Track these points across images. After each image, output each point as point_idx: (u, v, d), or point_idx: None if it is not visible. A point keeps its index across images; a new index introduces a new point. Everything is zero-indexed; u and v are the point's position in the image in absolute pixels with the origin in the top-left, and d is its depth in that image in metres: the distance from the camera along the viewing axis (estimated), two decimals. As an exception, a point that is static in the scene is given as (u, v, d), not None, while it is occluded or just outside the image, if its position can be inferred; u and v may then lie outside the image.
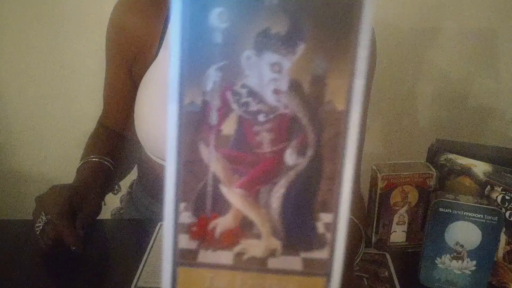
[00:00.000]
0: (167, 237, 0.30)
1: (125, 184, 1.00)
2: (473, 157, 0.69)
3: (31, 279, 0.68)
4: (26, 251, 0.73)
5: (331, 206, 0.30)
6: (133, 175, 1.01)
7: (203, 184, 0.30)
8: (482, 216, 0.60)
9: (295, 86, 0.28)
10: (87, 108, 1.23)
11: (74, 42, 1.20)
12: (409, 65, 1.26)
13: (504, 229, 0.63)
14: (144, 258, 0.68)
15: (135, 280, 0.64)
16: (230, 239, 0.31)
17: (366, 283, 0.64)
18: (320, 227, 0.31)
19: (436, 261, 0.64)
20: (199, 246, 0.31)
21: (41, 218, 0.67)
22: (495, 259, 0.64)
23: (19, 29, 1.21)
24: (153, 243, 0.72)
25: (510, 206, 0.62)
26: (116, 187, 0.84)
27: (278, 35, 0.28)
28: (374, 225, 0.71)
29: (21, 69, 1.25)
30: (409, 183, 0.69)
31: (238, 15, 0.28)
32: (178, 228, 0.30)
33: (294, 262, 0.31)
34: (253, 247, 0.31)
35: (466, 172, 0.69)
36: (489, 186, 0.64)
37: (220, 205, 0.31)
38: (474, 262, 0.63)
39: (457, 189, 0.70)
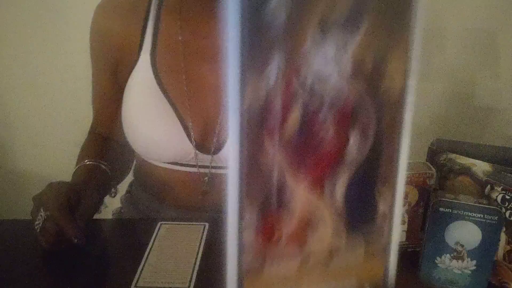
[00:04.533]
0: (231, 242, 0.28)
1: (124, 184, 1.00)
2: (473, 156, 0.69)
3: (31, 279, 0.68)
4: (26, 251, 0.73)
5: (390, 181, 0.30)
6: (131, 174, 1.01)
7: (268, 182, 0.29)
8: (482, 216, 0.60)
9: (358, 69, 0.28)
10: (87, 108, 1.23)
11: (75, 42, 1.19)
12: (409, 65, 1.26)
13: (504, 229, 0.63)
14: (144, 258, 0.68)
15: (135, 280, 0.64)
16: (296, 237, 0.30)
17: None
18: (381, 205, 0.31)
19: (436, 260, 0.64)
20: (266, 251, 0.30)
21: (40, 215, 0.67)
22: (495, 258, 0.64)
23: (19, 29, 1.21)
24: (153, 242, 0.72)
25: (510, 206, 0.62)
26: (113, 190, 0.84)
27: (339, 19, 0.27)
28: (374, 225, 0.71)
29: (21, 69, 1.25)
30: (409, 183, 0.69)
31: (298, 2, 0.26)
32: (243, 232, 0.28)
33: (357, 248, 0.31)
34: (319, 242, 0.30)
35: (466, 171, 0.69)
36: (489, 186, 0.64)
37: (287, 202, 0.29)
38: (474, 262, 0.62)
39: (457, 189, 0.70)
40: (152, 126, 0.78)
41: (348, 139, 0.29)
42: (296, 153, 0.29)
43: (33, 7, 1.18)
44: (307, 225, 0.30)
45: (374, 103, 0.29)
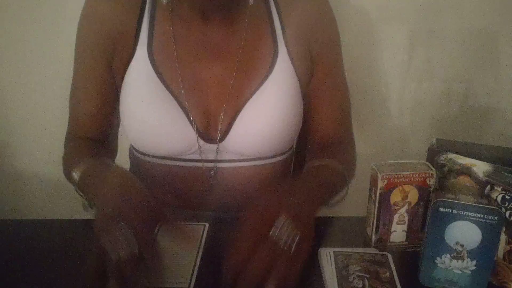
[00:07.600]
0: None
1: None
2: (473, 157, 0.69)
3: (31, 279, 0.68)
4: (26, 251, 0.73)
5: None
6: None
7: None
8: (482, 216, 0.60)
9: None
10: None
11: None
12: (409, 65, 1.26)
13: (504, 229, 0.63)
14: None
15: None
16: None
17: (367, 283, 0.63)
18: None
19: (436, 260, 0.64)
20: None
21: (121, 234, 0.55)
22: (495, 259, 0.64)
23: (19, 28, 1.21)
24: (153, 243, 0.72)
25: (510, 206, 0.62)
26: None
27: None
28: (374, 225, 0.71)
29: (21, 69, 1.25)
30: (409, 183, 0.69)
31: None
32: None
33: None
34: None
35: (466, 171, 0.69)
36: (489, 186, 0.64)
37: None
38: (474, 262, 0.63)
39: (457, 189, 0.70)
40: (156, 117, 0.77)
41: None
42: None
43: (34, 6, 1.18)
44: None
45: None
